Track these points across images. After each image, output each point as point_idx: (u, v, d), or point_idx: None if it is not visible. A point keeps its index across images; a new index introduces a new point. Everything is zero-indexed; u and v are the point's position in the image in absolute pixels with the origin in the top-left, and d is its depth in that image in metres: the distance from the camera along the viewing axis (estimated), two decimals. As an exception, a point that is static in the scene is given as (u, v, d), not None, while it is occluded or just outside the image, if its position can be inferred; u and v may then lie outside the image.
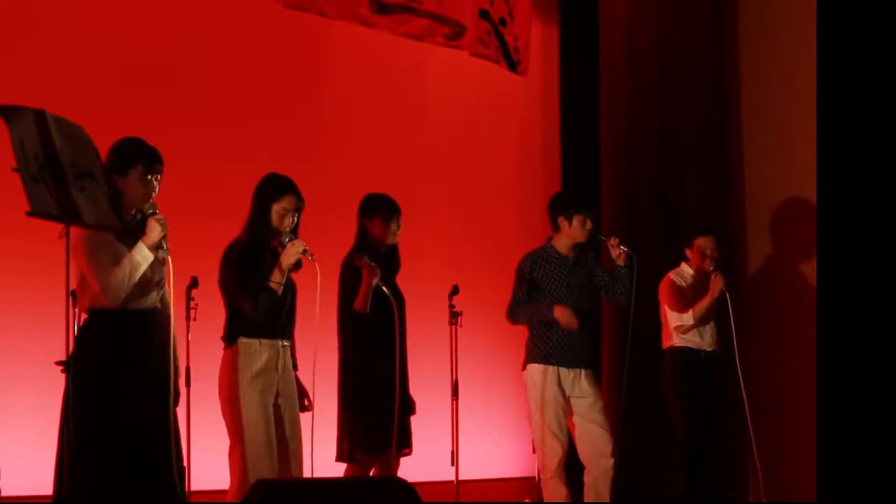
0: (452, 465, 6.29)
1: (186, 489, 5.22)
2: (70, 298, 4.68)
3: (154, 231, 4.92)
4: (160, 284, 5.03)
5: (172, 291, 5.08)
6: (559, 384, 6.48)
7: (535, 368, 6.51)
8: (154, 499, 4.85)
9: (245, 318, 5.41)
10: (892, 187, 4.89)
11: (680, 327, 7.30)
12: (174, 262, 5.03)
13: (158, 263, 4.98)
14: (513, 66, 7.97)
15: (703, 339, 7.32)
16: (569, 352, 6.50)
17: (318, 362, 5.47)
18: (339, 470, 6.12)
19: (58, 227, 4.64)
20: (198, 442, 5.44)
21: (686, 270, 7.44)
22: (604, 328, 8.13)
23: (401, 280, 6.30)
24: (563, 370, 6.49)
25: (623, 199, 8.40)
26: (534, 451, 6.61)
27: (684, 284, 7.39)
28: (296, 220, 5.54)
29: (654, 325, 7.40)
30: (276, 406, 5.47)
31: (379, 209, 6.25)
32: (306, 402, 5.70)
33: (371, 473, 6.13)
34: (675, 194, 8.49)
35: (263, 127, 7.26)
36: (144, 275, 4.91)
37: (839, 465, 4.85)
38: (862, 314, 4.88)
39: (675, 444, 7.32)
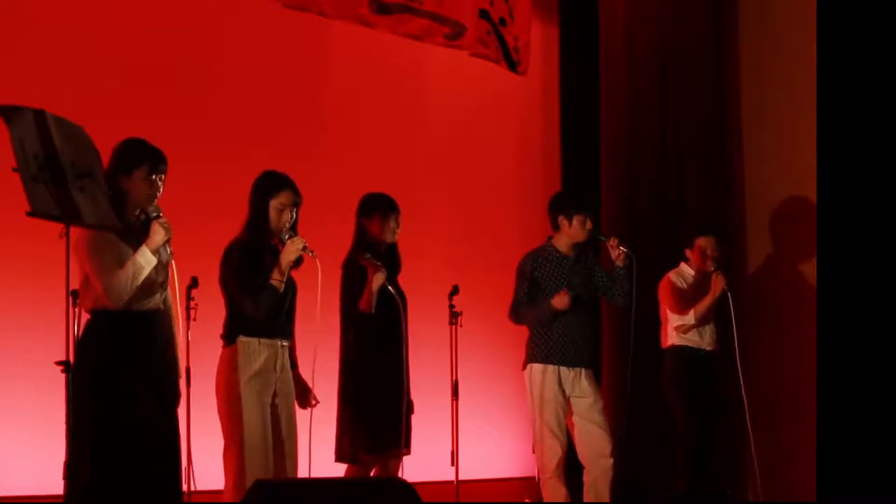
0: (452, 465, 6.29)
1: (186, 489, 5.23)
2: (70, 298, 4.68)
3: (157, 234, 4.92)
4: (163, 286, 5.03)
5: (178, 293, 5.08)
6: (559, 384, 6.48)
7: (536, 368, 6.51)
8: (157, 499, 4.85)
9: (245, 316, 5.40)
10: (892, 187, 4.89)
11: (681, 327, 7.30)
12: (174, 261, 5.05)
13: (161, 265, 4.98)
14: (513, 66, 7.97)
15: (702, 339, 7.33)
16: (569, 351, 6.50)
17: (317, 362, 5.48)
18: (338, 470, 6.12)
19: (58, 227, 4.64)
20: (198, 442, 5.45)
21: (686, 270, 7.44)
22: (604, 328, 8.12)
23: (401, 280, 6.29)
24: (563, 369, 6.49)
25: (623, 199, 8.40)
26: (533, 451, 6.62)
27: (684, 285, 7.39)
28: (294, 216, 5.53)
29: (654, 324, 7.41)
30: (273, 406, 5.45)
31: (377, 208, 6.24)
32: (311, 399, 5.68)
33: (371, 474, 6.12)
34: (675, 194, 8.48)
35: (263, 127, 7.26)
36: (148, 276, 4.90)
37: (839, 464, 4.86)
38: (862, 314, 4.89)
39: (676, 443, 7.32)
